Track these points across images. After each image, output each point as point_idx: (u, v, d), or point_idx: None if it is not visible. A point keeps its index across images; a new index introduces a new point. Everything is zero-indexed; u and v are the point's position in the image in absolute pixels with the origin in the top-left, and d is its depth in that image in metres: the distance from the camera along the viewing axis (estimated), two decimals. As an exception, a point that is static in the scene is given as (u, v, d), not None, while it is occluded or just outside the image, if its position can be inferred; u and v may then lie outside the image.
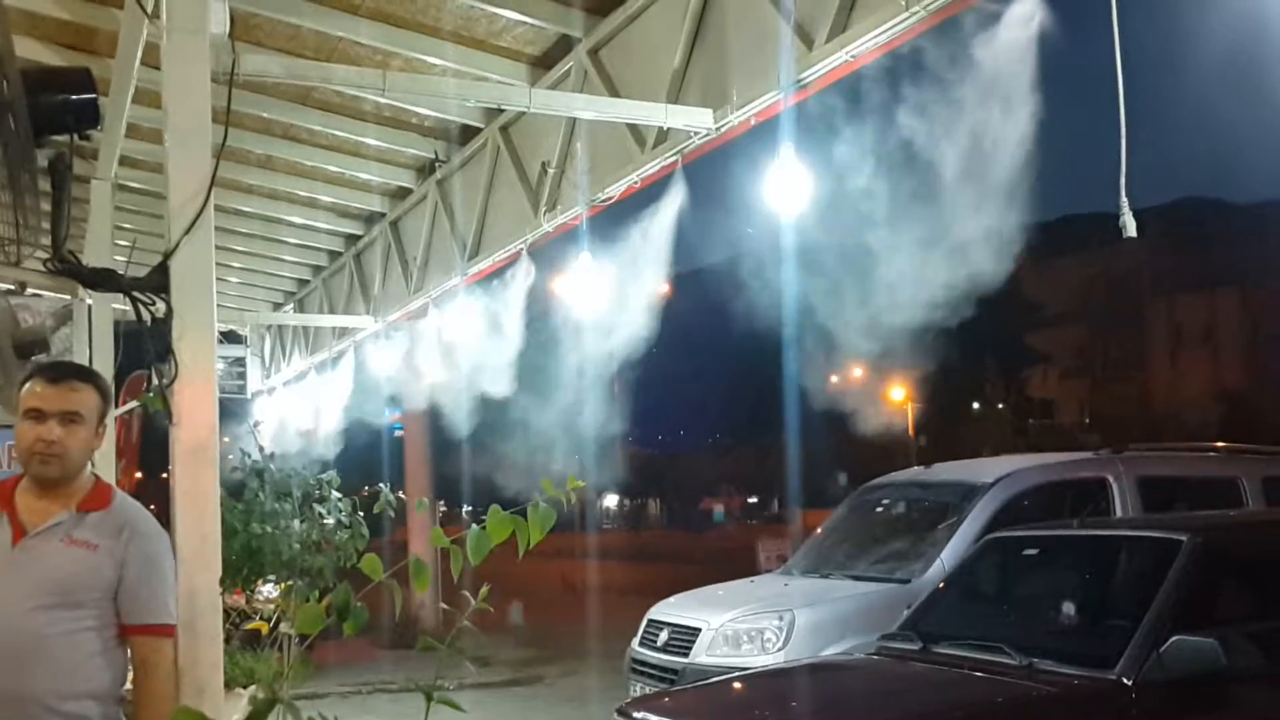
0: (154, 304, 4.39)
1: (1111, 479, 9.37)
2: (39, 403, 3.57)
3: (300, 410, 14.16)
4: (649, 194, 6.81)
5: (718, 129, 5.77)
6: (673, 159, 6.23)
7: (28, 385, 3.68)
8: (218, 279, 4.33)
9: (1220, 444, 10.74)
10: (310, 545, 7.48)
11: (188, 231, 4.14)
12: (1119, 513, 9.12)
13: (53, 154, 4.35)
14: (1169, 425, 32.08)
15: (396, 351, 11.23)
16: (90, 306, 11.93)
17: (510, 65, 7.51)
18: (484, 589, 3.96)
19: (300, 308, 13.79)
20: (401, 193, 10.24)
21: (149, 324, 4.47)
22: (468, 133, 8.78)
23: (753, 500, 54.95)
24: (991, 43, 4.44)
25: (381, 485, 8.28)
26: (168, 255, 4.24)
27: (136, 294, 4.44)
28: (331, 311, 12.52)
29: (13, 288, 8.73)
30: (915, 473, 10.81)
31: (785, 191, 5.36)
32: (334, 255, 12.37)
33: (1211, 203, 52.15)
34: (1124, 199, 3.44)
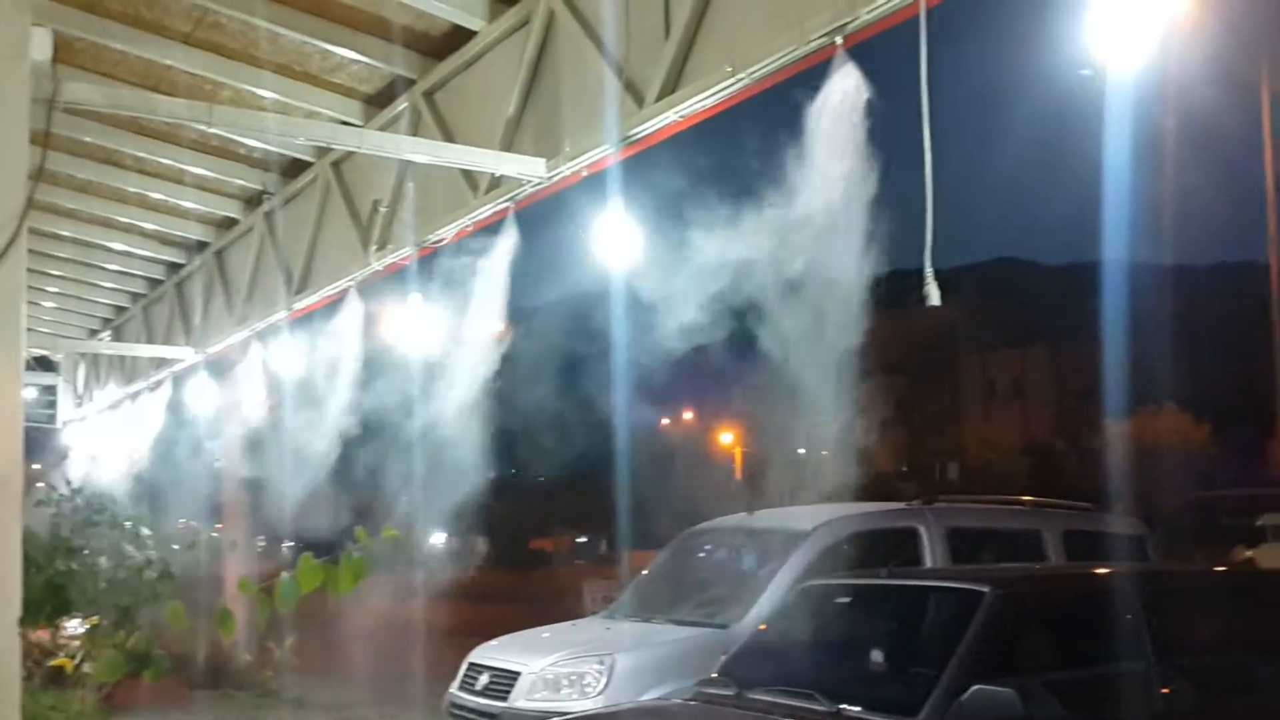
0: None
1: (922, 529, 9.70)
2: None
3: (115, 441, 13.58)
4: (485, 235, 6.83)
5: (550, 178, 5.84)
6: (505, 204, 6.26)
7: None
8: (29, 303, 4.18)
9: (1025, 497, 11.23)
10: (118, 583, 7.22)
11: (-3, 258, 3.98)
12: (929, 562, 9.44)
13: None
14: (980, 476, 33.44)
15: (218, 383, 10.92)
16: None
17: (344, 102, 7.45)
18: (288, 642, 3.89)
19: (118, 335, 13.27)
20: (227, 223, 10.00)
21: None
22: (298, 166, 8.65)
23: (582, 540, 54.83)
24: (814, 108, 4.62)
25: (194, 522, 8.08)
26: (-27, 283, 4.06)
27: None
28: (151, 340, 12.09)
29: None
30: (738, 519, 10.99)
31: (614, 242, 5.45)
32: (155, 283, 11.96)
33: (1024, 263, 54.83)
34: (928, 269, 3.62)
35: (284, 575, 3.66)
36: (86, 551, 7.34)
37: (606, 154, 5.48)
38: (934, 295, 3.59)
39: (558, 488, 60.12)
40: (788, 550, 9.52)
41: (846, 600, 7.64)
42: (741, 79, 4.64)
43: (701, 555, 10.67)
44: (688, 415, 43.67)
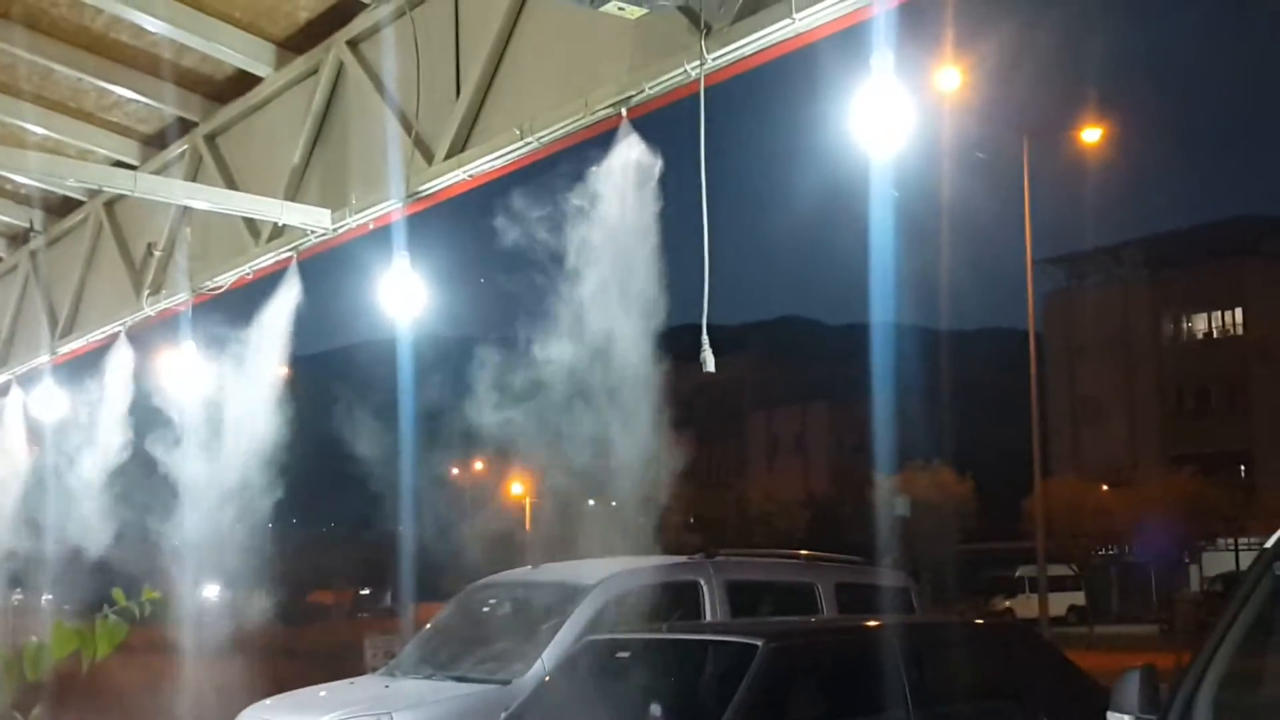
0: None
1: (703, 582, 9.90)
2: None
3: None
4: (267, 282, 6.67)
5: (335, 230, 5.77)
6: (288, 254, 6.15)
7: None
8: None
9: (801, 551, 11.60)
10: None
11: None
12: (709, 615, 9.63)
13: None
14: (761, 528, 34.31)
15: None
16: None
17: (120, 141, 7.18)
18: (34, 711, 3.70)
19: None
20: (-12, 259, 9.45)
21: None
22: (68, 204, 8.26)
23: (365, 592, 53.42)
24: (599, 173, 4.74)
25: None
26: None
27: None
28: (-106, 382, 11.24)
29: None
30: (523, 572, 10.97)
31: (399, 296, 5.42)
32: (-98, 321, 11.16)
33: (806, 321, 56.90)
34: (704, 338, 3.75)
35: (33, 640, 3.48)
36: None
37: (393, 208, 5.46)
38: (709, 363, 3.73)
39: (340, 539, 58.46)
40: (571, 604, 9.56)
41: (627, 654, 7.73)
42: (530, 143, 4.72)
43: (486, 609, 10.59)
44: (478, 465, 43.29)
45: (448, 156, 5.08)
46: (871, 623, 7.92)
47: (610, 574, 10.04)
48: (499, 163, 4.96)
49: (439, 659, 10.05)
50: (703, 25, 3.95)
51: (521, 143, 4.74)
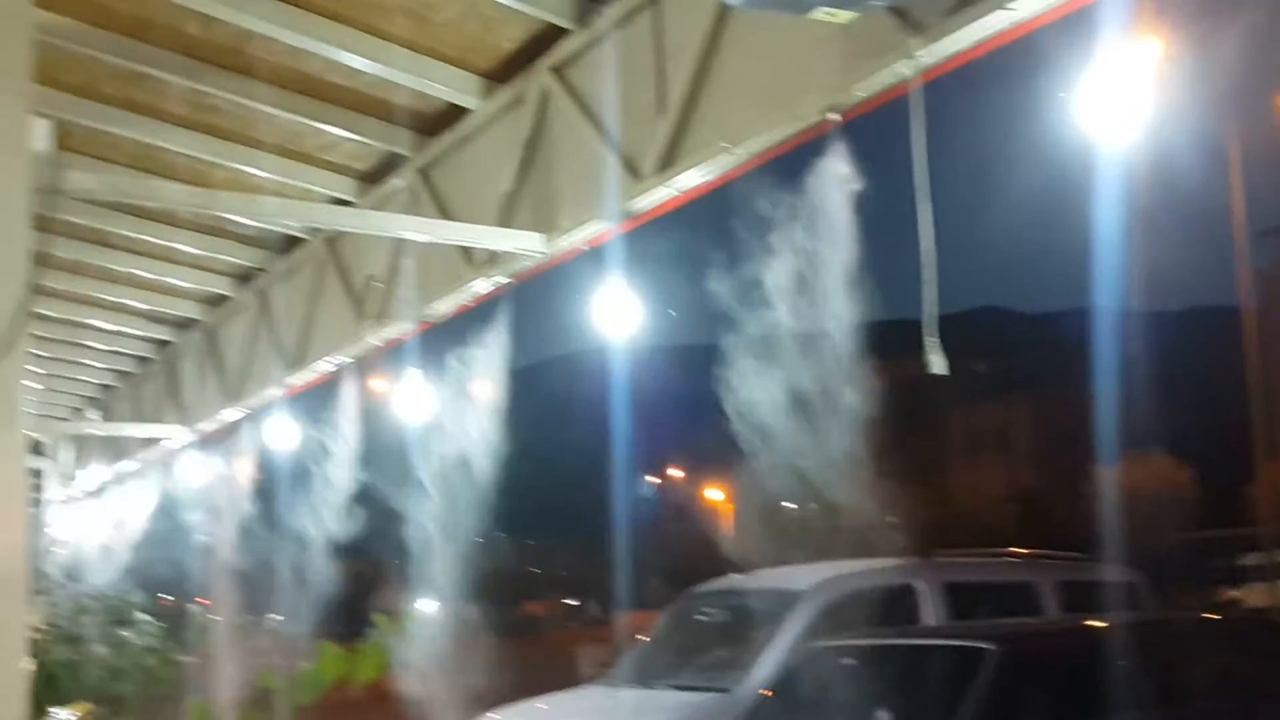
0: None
1: (920, 585, 9.71)
2: None
3: (101, 521, 13.48)
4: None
5: (548, 253, 5.91)
6: (503, 279, 6.33)
7: None
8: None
9: (1020, 550, 11.25)
10: (117, 672, 7.16)
11: (2, 351, 4.01)
12: (926, 619, 9.44)
13: None
14: (967, 527, 33.42)
15: (210, 461, 10.89)
16: None
17: (338, 179, 7.53)
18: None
19: (106, 414, 13.22)
20: (219, 299, 10.03)
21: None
22: (291, 243, 8.71)
23: (573, 603, 54.38)
24: (811, 175, 4.72)
25: (176, 599, 8.02)
26: (-27, 376, 4.08)
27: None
28: (139, 419, 12.04)
29: None
30: (734, 579, 10.98)
31: (613, 315, 5.51)
32: (144, 361, 11.95)
33: (1005, 311, 55.22)
34: (931, 338, 3.69)
35: (307, 666, 3.67)
36: (81, 640, 7.28)
37: (603, 228, 5.57)
38: (937, 363, 3.66)
39: (546, 550, 59.71)
40: (786, 610, 9.51)
41: (851, 661, 7.64)
42: (738, 154, 4.74)
43: (700, 617, 10.64)
44: (676, 473, 43.56)
45: (655, 173, 5.14)
46: (1102, 622, 7.62)
47: (824, 579, 9.95)
48: (706, 176, 4.99)
49: (658, 668, 10.14)
50: (914, 24, 3.89)
51: (730, 155, 4.76)
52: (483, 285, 6.48)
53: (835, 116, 4.31)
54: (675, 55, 5.04)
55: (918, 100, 3.88)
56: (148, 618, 7.59)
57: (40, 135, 4.66)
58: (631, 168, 5.29)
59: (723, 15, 4.77)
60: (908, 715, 6.77)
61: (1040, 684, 6.64)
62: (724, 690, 9.14)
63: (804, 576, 10.04)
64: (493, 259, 6.42)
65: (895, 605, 9.55)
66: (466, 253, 6.60)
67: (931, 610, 9.54)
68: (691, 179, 5.03)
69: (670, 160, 5.08)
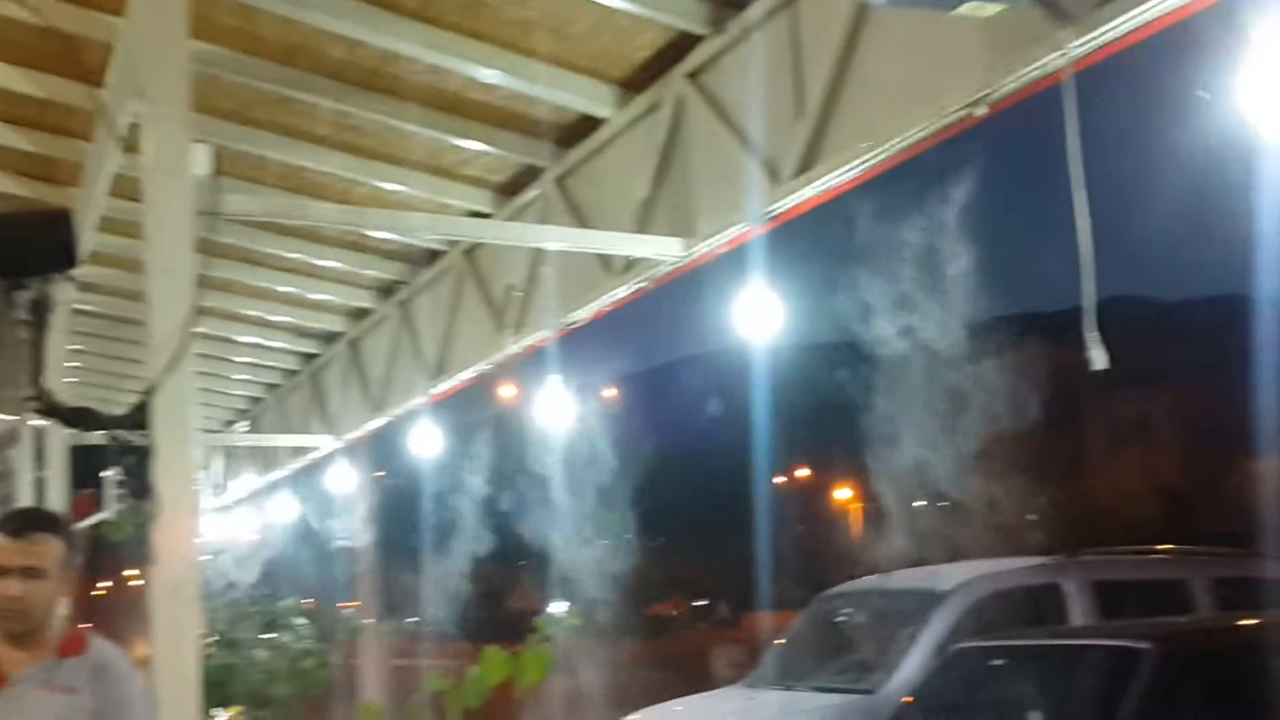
0: (132, 440, 4.41)
1: (1066, 584, 9.49)
2: None
3: (251, 528, 14.00)
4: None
5: (685, 257, 5.95)
6: (642, 284, 6.40)
7: None
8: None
9: (1170, 546, 10.94)
10: (276, 674, 7.42)
11: (169, 368, 4.19)
12: (1074, 619, 9.23)
13: (34, 294, 4.38)
14: (1108, 522, 32.50)
15: (356, 467, 11.23)
16: (38, 430, 11.78)
17: (475, 192, 7.69)
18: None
19: (255, 426, 13.72)
20: (361, 313, 10.32)
21: (129, 462, 4.49)
22: (430, 255, 8.92)
23: (700, 604, 54.42)
24: (960, 167, 4.69)
25: (318, 601, 8.28)
26: (149, 392, 4.27)
27: (117, 432, 4.46)
28: (287, 429, 12.47)
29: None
30: (874, 579, 10.90)
31: (754, 318, 5.53)
32: (290, 373, 12.37)
33: (1141, 301, 53.51)
34: (1091, 332, 3.62)
35: (472, 669, 3.76)
36: (243, 644, 7.56)
37: (742, 231, 5.59)
38: (1100, 359, 3.59)
39: (673, 551, 59.85)
40: (929, 611, 9.39)
41: (1002, 662, 7.52)
42: (880, 152, 4.72)
43: (840, 619, 10.57)
44: (804, 472, 43.26)
45: (795, 175, 5.14)
46: (1261, 619, 7.36)
47: (967, 578, 9.80)
48: (847, 176, 4.98)
49: (797, 670, 10.11)
50: (1063, 14, 3.82)
51: (871, 154, 4.74)
52: (620, 291, 6.55)
53: (981, 111, 4.26)
54: (813, 56, 5.04)
55: (1070, 91, 3.82)
56: (302, 621, 7.85)
57: (201, 160, 4.87)
58: (770, 170, 5.30)
59: (861, 13, 4.74)
60: (1060, 719, 6.64)
61: (1199, 685, 6.45)
62: (867, 692, 9.07)
63: (947, 576, 9.91)
64: (630, 265, 6.49)
65: (1042, 605, 9.36)
66: (604, 260, 6.69)
67: (1080, 610, 9.33)
68: (832, 179, 5.01)
69: (810, 161, 5.07)
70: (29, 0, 4.72)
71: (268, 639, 7.62)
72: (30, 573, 3.63)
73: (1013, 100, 4.33)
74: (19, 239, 4.00)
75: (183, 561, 4.33)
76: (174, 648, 4.41)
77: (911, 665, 9.00)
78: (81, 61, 5.79)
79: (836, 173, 4.96)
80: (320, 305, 10.32)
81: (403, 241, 8.67)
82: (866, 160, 4.81)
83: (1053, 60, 3.93)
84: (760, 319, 5.58)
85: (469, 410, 8.95)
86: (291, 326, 10.94)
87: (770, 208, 5.31)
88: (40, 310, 4.41)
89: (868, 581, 10.98)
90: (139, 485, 4.33)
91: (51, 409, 4.42)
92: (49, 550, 3.72)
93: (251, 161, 7.29)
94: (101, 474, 11.25)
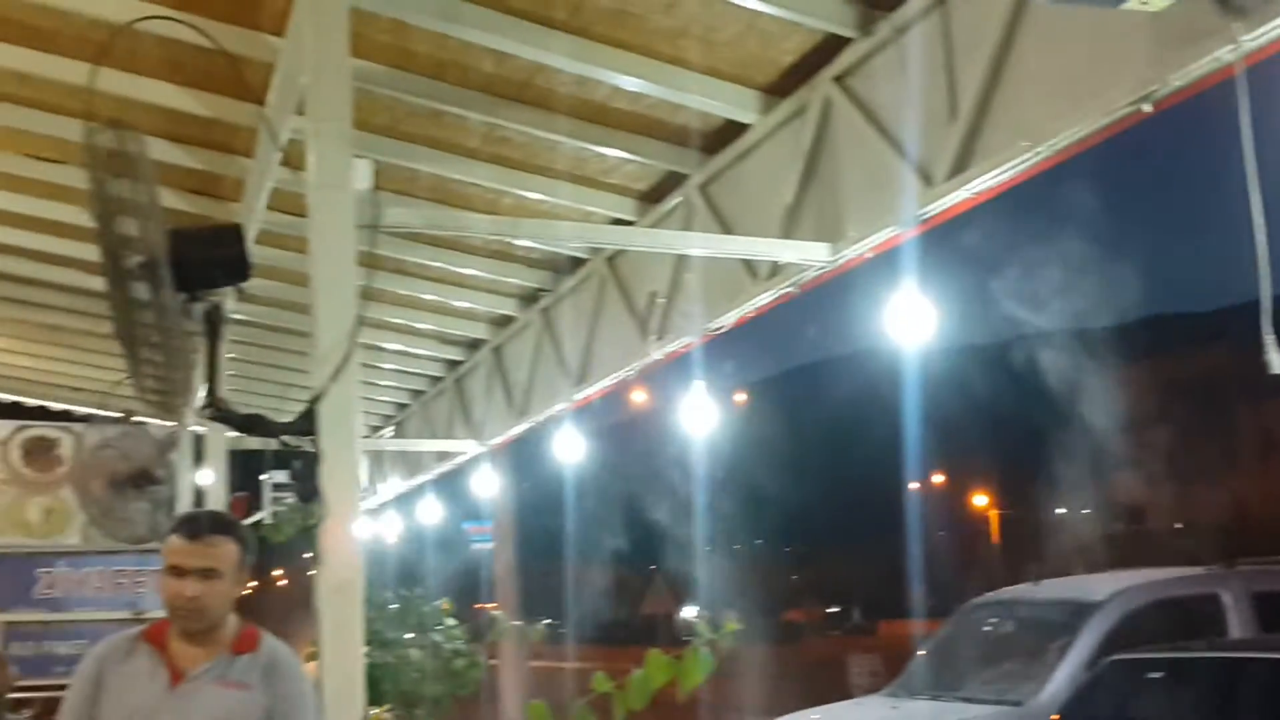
0: (300, 446, 4.54)
1: (1224, 595, 9.19)
2: (178, 559, 3.79)
3: (398, 530, 14.37)
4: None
5: (834, 262, 5.91)
6: (787, 289, 6.38)
7: (169, 539, 3.89)
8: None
9: (1334, 557, 10.51)
10: (430, 674, 7.59)
11: (334, 377, 4.32)
12: (1233, 631, 8.92)
13: (208, 306, 4.55)
14: (1262, 531, 31.19)
15: (498, 472, 11.44)
16: (197, 434, 12.30)
17: (617, 200, 7.76)
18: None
19: (399, 431, 14.06)
20: (504, 320, 10.50)
21: (295, 466, 4.63)
22: (573, 263, 9.03)
23: (833, 610, 53.94)
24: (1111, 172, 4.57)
25: (478, 607, 8.44)
26: (316, 399, 4.41)
27: (286, 438, 4.60)
28: (432, 434, 12.76)
29: (120, 415, 9.06)
30: (1023, 589, 10.70)
31: (906, 322, 5.46)
32: (434, 380, 12.64)
33: (1292, 301, 51.18)
34: (1268, 336, 3.49)
35: (635, 672, 3.78)
36: (398, 644, 7.74)
37: (892, 235, 5.53)
38: (1276, 363, 3.46)
39: (803, 557, 59.44)
40: (1081, 622, 9.19)
41: (1160, 675, 7.30)
42: (1040, 152, 4.62)
43: (987, 628, 10.40)
44: (940, 478, 42.51)
45: (948, 178, 5.06)
46: None
47: (1120, 589, 9.57)
48: (1004, 177, 4.88)
49: (943, 680, 9.96)
50: (1236, 6, 3.70)
51: (1031, 153, 4.64)
52: (766, 297, 6.54)
53: (1147, 108, 4.14)
54: (966, 55, 4.96)
55: (1243, 86, 3.68)
56: (452, 621, 8.01)
57: (362, 175, 5.01)
58: (923, 173, 5.23)
59: (1018, 10, 4.65)
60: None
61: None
62: (1016, 704, 8.89)
63: (1099, 586, 9.68)
64: (775, 270, 6.47)
65: (1199, 617, 9.09)
66: (749, 265, 6.68)
67: (1238, 622, 9.03)
68: (987, 181, 4.92)
69: (964, 163, 4.99)
70: (200, 25, 4.92)
71: (418, 639, 7.79)
72: (208, 574, 3.80)
73: (1180, 97, 4.20)
74: (199, 253, 4.16)
75: (348, 562, 4.46)
76: (340, 646, 4.53)
77: (1062, 677, 8.82)
78: (244, 80, 6.01)
79: (992, 174, 4.87)
80: (464, 313, 10.52)
81: (546, 249, 8.80)
82: (1024, 161, 4.71)
83: (1225, 54, 3.80)
84: (911, 323, 5.51)
85: (605, 415, 9.04)
86: (436, 334, 11.19)
87: (922, 211, 5.24)
88: (214, 321, 4.60)
89: (1016, 590, 10.78)
90: (306, 489, 4.46)
91: (226, 416, 4.58)
92: (225, 552, 3.89)
93: (403, 174, 7.48)
94: (260, 477, 11.69)
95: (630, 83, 6.22)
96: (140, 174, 3.89)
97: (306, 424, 4.46)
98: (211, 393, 4.62)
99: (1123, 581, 9.90)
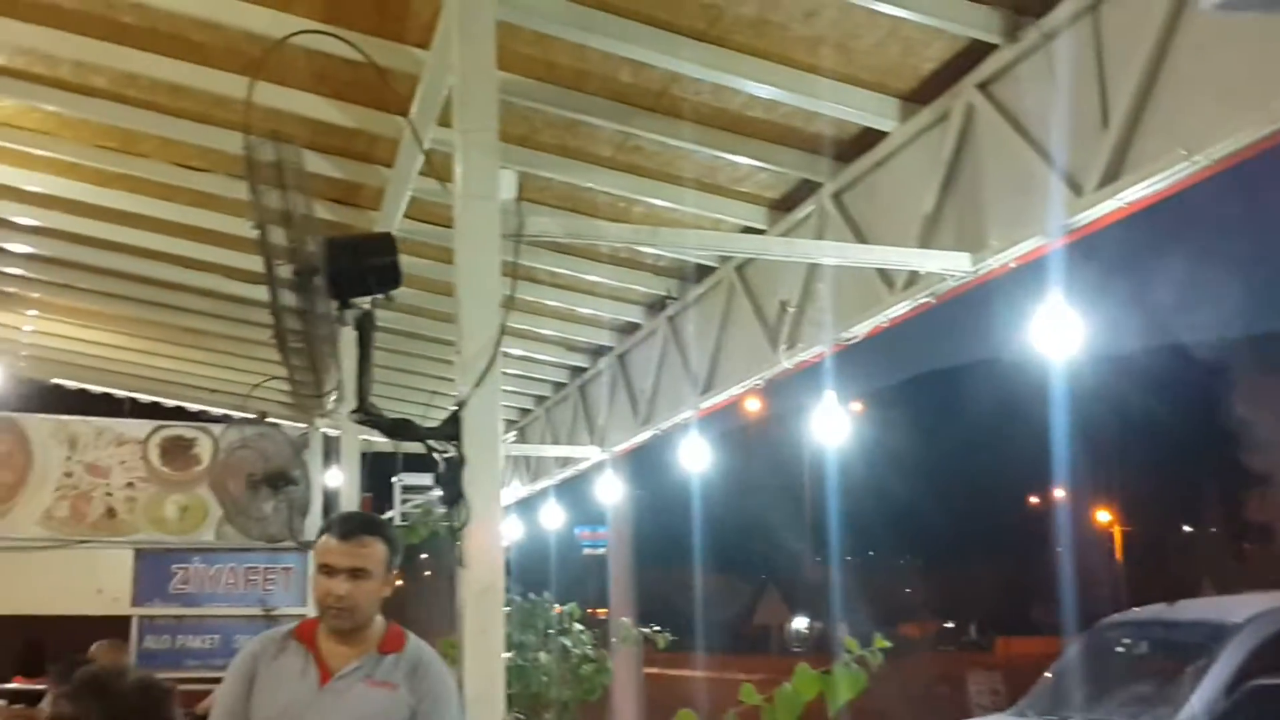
0: (445, 451, 4.62)
1: (1373, 621, 8.85)
2: (329, 559, 3.89)
3: (520, 535, 14.54)
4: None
5: (975, 272, 5.82)
6: (925, 299, 6.29)
7: (322, 539, 4.00)
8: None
9: None
10: (556, 679, 7.66)
11: (479, 383, 4.39)
12: (1386, 658, 8.58)
13: (359, 313, 4.66)
14: None
15: (621, 478, 11.49)
16: (327, 435, 12.56)
17: (748, 209, 7.75)
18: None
19: (522, 436, 14.21)
20: (630, 327, 10.54)
21: (440, 470, 4.71)
22: (701, 271, 9.04)
23: (948, 625, 52.96)
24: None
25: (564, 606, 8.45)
26: (460, 405, 4.48)
27: (431, 442, 4.69)
28: (554, 440, 12.87)
29: (254, 416, 9.33)
30: (1158, 610, 10.43)
31: (1053, 335, 5.35)
32: (558, 386, 12.76)
33: None
34: None
35: (784, 686, 3.77)
36: (527, 647, 7.82)
37: (1040, 245, 5.42)
38: None
39: (922, 569, 58.49)
40: (1219, 644, 8.95)
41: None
42: (1198, 161, 4.48)
43: (1120, 649, 10.17)
44: (1059, 493, 41.49)
45: (1099, 187, 4.94)
46: None
47: (1260, 611, 9.31)
48: (1159, 186, 4.75)
49: (1073, 700, 9.74)
50: None
51: (1188, 162, 4.51)
52: (903, 307, 6.45)
53: (1316, 114, 4.00)
54: (1119, 61, 4.84)
55: None
56: (580, 626, 8.08)
57: (508, 185, 5.09)
58: (1071, 182, 5.12)
59: (1175, 15, 4.53)
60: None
61: None
62: (1152, 727, 8.66)
63: (1238, 608, 9.41)
64: (912, 280, 6.39)
65: (1341, 642, 8.77)
66: (884, 275, 6.60)
67: (1391, 648, 8.68)
68: (1140, 191, 4.79)
69: (1116, 173, 4.87)
70: (349, 39, 5.06)
71: (552, 642, 7.88)
72: (357, 573, 3.90)
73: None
74: (354, 261, 4.27)
75: (490, 566, 4.53)
76: (482, 648, 4.59)
77: (1199, 702, 8.59)
78: (389, 92, 6.16)
79: (1146, 184, 4.74)
80: (590, 319, 10.60)
81: (674, 257, 8.82)
82: (1181, 170, 4.57)
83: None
84: (1057, 335, 5.39)
85: (718, 424, 9.01)
86: (562, 340, 11.29)
87: (1070, 220, 5.12)
88: (365, 327, 4.71)
89: (1150, 610, 10.51)
90: (451, 492, 4.53)
91: (375, 420, 4.69)
92: (374, 552, 3.98)
93: (538, 184, 7.57)
94: (391, 479, 11.93)
95: (767, 91, 6.20)
96: (298, 184, 4.01)
97: (451, 429, 4.54)
98: (362, 397, 4.73)
99: (1262, 604, 9.60)
